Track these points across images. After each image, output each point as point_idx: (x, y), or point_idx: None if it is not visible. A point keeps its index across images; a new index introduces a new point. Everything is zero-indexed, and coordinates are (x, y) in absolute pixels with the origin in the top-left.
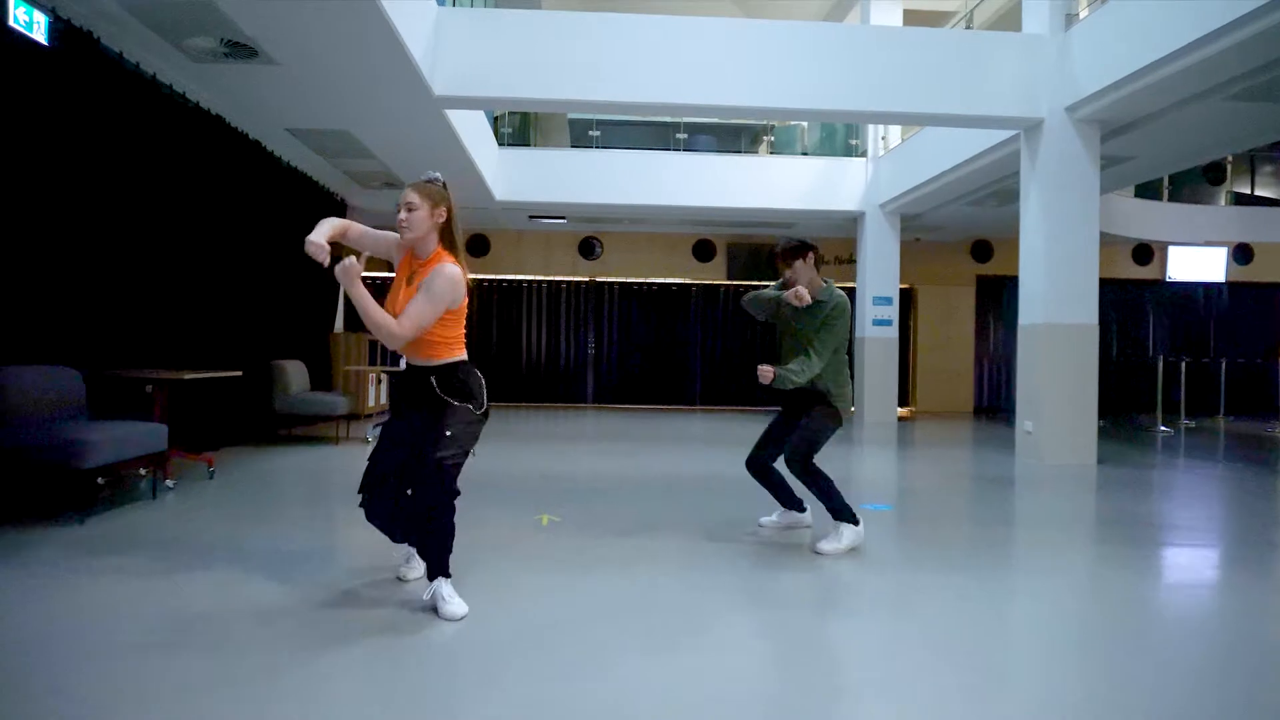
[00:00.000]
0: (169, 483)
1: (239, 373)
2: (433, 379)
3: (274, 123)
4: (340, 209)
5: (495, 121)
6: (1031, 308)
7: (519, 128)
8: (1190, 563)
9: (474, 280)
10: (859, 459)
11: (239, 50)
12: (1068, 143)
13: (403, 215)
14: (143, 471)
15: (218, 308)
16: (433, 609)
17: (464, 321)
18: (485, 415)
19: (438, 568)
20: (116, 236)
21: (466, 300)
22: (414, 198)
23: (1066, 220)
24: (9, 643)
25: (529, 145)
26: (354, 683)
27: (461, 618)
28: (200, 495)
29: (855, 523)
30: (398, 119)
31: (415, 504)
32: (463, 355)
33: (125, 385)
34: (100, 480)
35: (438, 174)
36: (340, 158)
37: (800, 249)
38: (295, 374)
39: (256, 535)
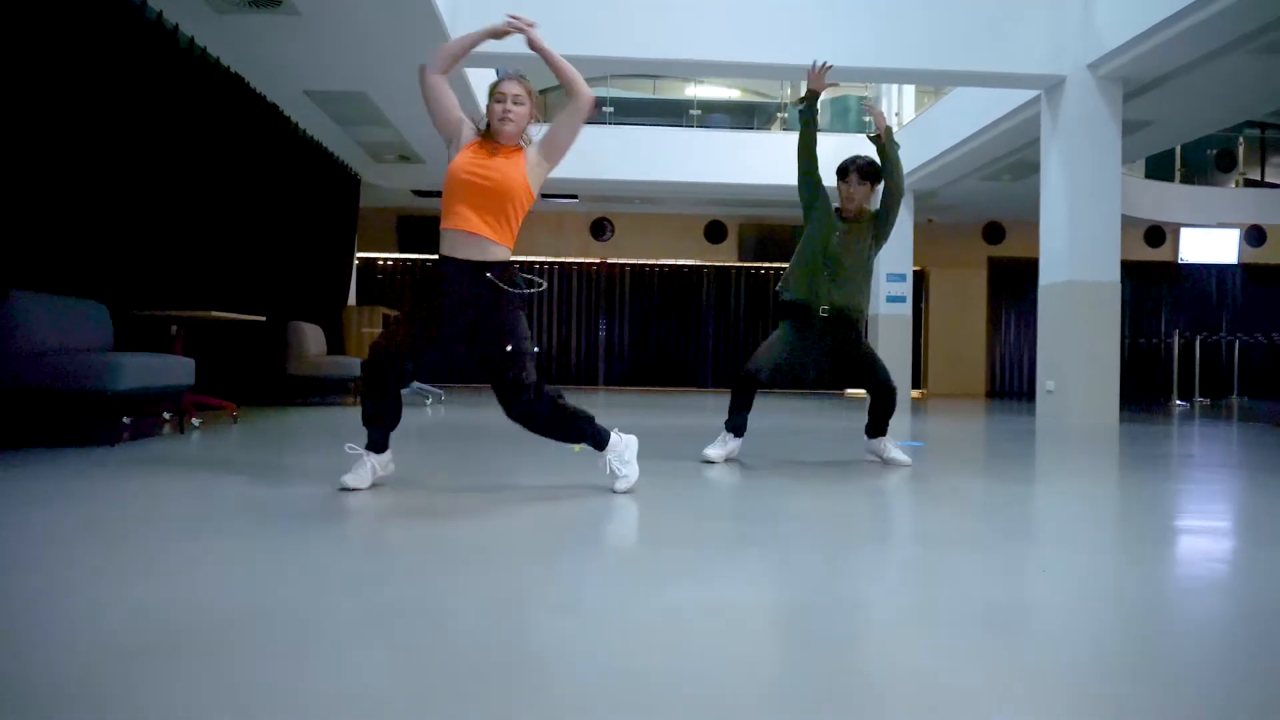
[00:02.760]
0: (195, 421)
1: (263, 318)
2: (490, 274)
3: (292, 84)
4: (354, 183)
5: None
6: (1053, 267)
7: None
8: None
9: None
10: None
11: None
12: (1090, 101)
13: (508, 107)
14: (166, 416)
15: (237, 261)
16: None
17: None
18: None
19: (598, 443)
20: (140, 185)
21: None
22: (520, 90)
23: (1088, 179)
24: (53, 535)
25: (542, 120)
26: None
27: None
28: (226, 436)
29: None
30: (414, 80)
31: (534, 420)
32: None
33: (148, 325)
34: (126, 420)
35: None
36: (356, 125)
37: (878, 175)
38: (312, 336)
39: (288, 460)
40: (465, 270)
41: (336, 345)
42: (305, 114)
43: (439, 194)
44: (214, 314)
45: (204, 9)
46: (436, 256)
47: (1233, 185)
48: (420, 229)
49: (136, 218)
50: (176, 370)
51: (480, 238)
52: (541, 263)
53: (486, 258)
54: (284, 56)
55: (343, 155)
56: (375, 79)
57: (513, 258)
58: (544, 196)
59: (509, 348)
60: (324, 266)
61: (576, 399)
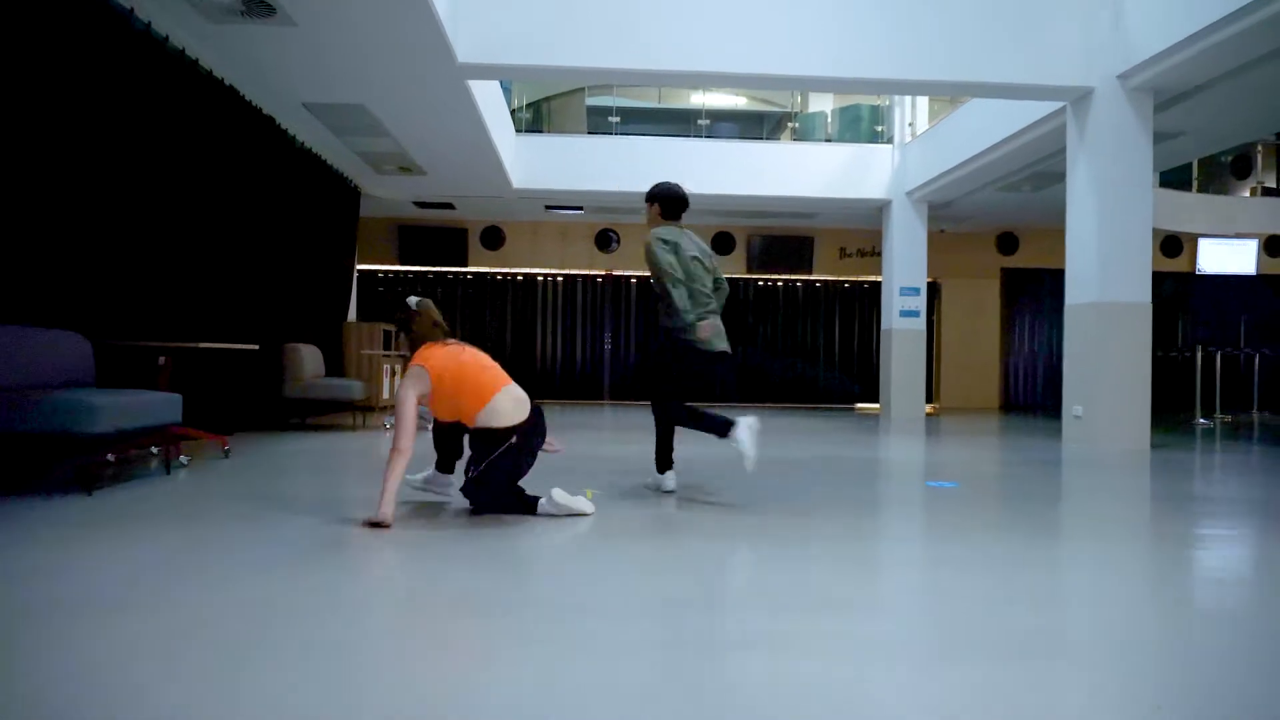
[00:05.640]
0: (183, 459)
1: (255, 346)
2: None
3: (289, 96)
4: (354, 195)
5: (513, 108)
6: (1080, 287)
7: (535, 114)
8: None
9: (488, 274)
10: (902, 446)
11: (257, 7)
12: (1120, 113)
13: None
14: (154, 450)
15: (229, 286)
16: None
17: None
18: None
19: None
20: (127, 205)
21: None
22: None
23: (1118, 195)
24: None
25: (544, 131)
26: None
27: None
28: (216, 472)
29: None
30: (417, 90)
31: None
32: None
33: (134, 357)
34: (110, 457)
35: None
36: (355, 136)
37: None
38: (309, 358)
39: (280, 507)
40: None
41: (336, 365)
42: (303, 126)
43: (440, 205)
44: (203, 345)
45: (196, 19)
46: (439, 269)
47: (1247, 194)
48: (421, 239)
49: (123, 240)
50: (159, 408)
51: None
52: (546, 274)
53: None
54: (281, 68)
55: (342, 167)
56: (374, 91)
57: None
58: (548, 208)
59: None
60: (323, 282)
61: (580, 413)
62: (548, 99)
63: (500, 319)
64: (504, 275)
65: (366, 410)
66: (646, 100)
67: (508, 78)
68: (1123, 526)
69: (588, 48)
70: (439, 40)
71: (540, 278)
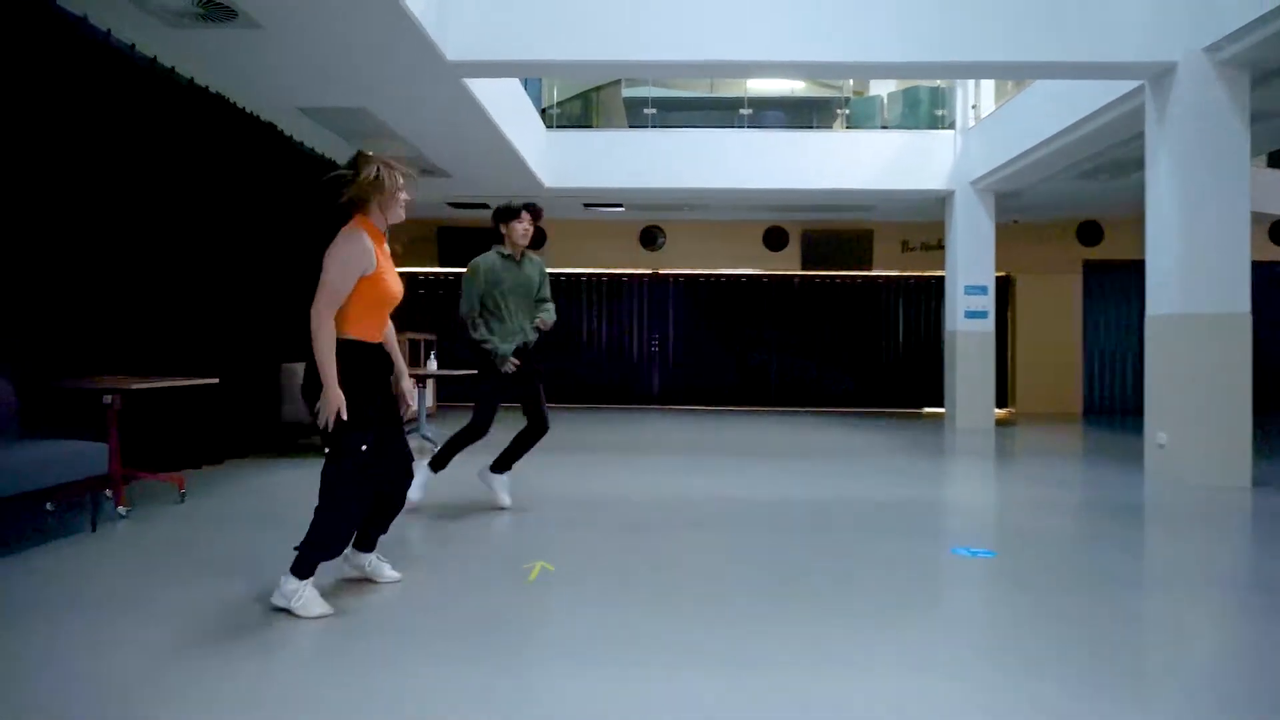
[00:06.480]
0: (121, 510)
1: (214, 379)
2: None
3: (285, 100)
4: None
5: (545, 105)
6: (1162, 295)
7: (578, 109)
8: None
9: None
10: (948, 477)
11: (215, 10)
12: (1208, 91)
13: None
14: (49, 506)
15: (211, 307)
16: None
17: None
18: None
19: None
20: (104, 223)
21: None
22: None
23: (1206, 186)
24: None
25: (591, 127)
26: None
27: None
28: (155, 522)
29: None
30: (413, 91)
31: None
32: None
33: (78, 398)
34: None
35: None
36: (366, 140)
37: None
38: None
39: (192, 574)
40: None
41: None
42: (306, 131)
43: (476, 205)
44: (142, 384)
45: (154, 24)
46: None
47: None
48: (462, 240)
49: (78, 258)
50: (79, 461)
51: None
52: (590, 274)
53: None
54: (265, 73)
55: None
56: (371, 94)
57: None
58: (587, 206)
59: None
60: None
61: (627, 420)
62: (597, 89)
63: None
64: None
65: None
66: (685, 89)
67: (502, 75)
68: (1245, 654)
69: (582, 40)
70: (420, 39)
71: (583, 278)
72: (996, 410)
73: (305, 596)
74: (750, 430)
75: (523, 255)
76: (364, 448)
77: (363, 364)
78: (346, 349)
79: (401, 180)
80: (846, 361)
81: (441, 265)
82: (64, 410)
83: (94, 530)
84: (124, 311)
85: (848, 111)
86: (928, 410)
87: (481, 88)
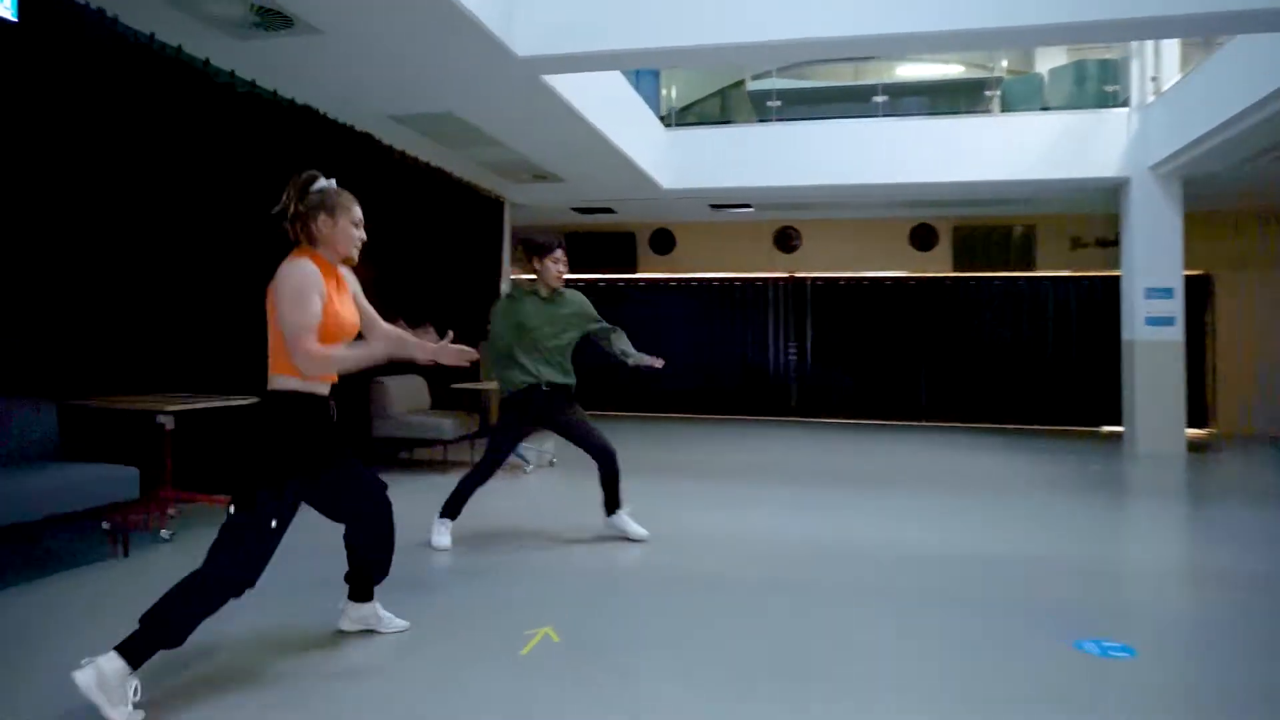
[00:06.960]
0: (164, 532)
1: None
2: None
3: (373, 110)
4: (494, 206)
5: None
6: None
7: (721, 104)
8: None
9: (659, 279)
10: (1102, 523)
11: (271, 17)
12: None
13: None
14: (105, 525)
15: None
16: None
17: None
18: None
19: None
20: (155, 241)
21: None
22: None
23: None
24: None
25: (730, 123)
26: None
27: None
28: (190, 549)
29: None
30: (491, 92)
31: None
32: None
33: (116, 420)
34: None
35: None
36: (469, 147)
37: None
38: (400, 393)
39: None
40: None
41: (444, 392)
42: (411, 141)
43: (600, 209)
44: (169, 407)
45: (215, 34)
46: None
47: None
48: (589, 245)
49: (156, 275)
50: (103, 488)
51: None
52: (721, 278)
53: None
54: (340, 83)
55: (473, 178)
56: (451, 96)
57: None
58: (714, 207)
59: None
60: (454, 302)
61: (762, 437)
62: (735, 85)
63: (672, 328)
64: (676, 281)
65: (477, 437)
66: (813, 80)
67: (574, 69)
68: None
69: (651, 26)
70: (483, 36)
71: (715, 282)
72: (1190, 430)
73: (114, 690)
74: (898, 451)
75: (554, 291)
76: (273, 523)
77: (297, 419)
78: (280, 400)
79: (344, 199)
80: (1007, 373)
81: (570, 272)
82: (111, 433)
83: (125, 555)
84: (208, 330)
85: (998, 93)
86: (1105, 429)
87: (568, 84)
